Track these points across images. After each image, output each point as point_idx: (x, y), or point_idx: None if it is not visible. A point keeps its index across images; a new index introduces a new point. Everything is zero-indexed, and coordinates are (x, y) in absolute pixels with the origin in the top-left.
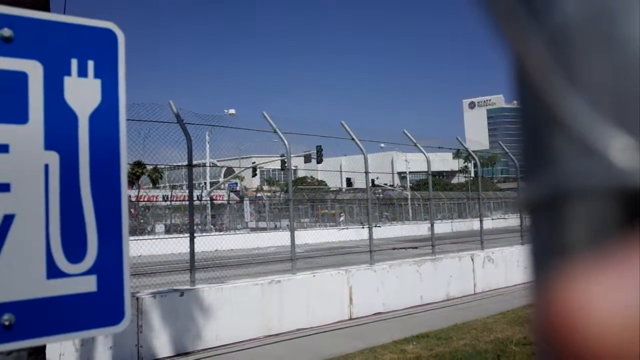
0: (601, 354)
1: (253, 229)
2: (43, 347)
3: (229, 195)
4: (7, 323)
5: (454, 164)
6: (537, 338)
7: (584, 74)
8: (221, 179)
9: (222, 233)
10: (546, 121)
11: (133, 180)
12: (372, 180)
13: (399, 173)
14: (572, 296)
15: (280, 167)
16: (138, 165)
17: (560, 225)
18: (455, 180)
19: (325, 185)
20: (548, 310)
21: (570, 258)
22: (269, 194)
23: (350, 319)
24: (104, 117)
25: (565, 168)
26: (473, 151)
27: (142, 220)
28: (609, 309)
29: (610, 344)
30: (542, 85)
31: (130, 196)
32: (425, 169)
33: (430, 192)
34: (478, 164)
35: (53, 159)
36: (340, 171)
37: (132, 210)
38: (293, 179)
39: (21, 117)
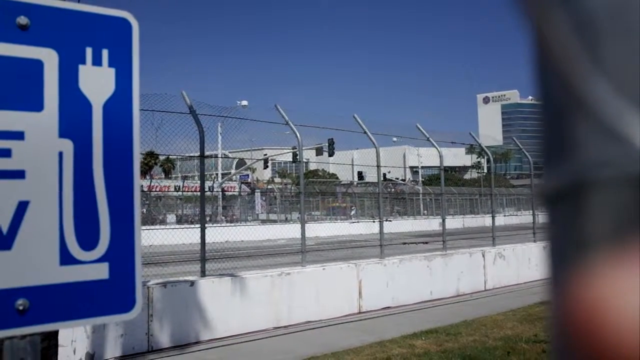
0: (623, 353)
1: (264, 221)
2: (55, 333)
3: (240, 187)
4: (21, 308)
5: (467, 159)
6: (554, 336)
7: (610, 59)
8: (233, 171)
9: (232, 224)
10: (570, 107)
11: (145, 171)
12: (384, 174)
13: (411, 167)
14: (593, 293)
15: (291, 160)
16: (150, 155)
17: (581, 217)
18: (467, 176)
19: (337, 178)
20: (567, 307)
21: (591, 252)
22: (280, 186)
23: (360, 312)
24: (118, 105)
25: (588, 156)
26: (486, 146)
27: (147, 205)
28: (632, 307)
29: (633, 343)
30: (567, 71)
31: (142, 186)
32: (438, 164)
33: (442, 187)
34: (491, 159)
35: (67, 146)
36: (352, 164)
37: None
38: (304, 171)
39: (36, 104)
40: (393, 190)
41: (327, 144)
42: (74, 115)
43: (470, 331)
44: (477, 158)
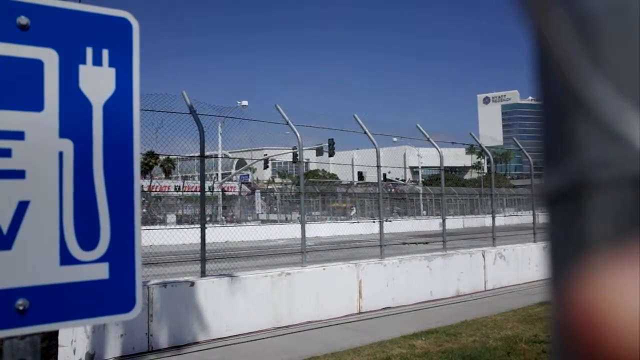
0: (623, 354)
1: (264, 221)
2: (56, 333)
3: (240, 187)
4: (21, 308)
5: (467, 160)
6: (555, 336)
7: (610, 59)
8: (233, 171)
9: (233, 224)
10: (570, 107)
11: (145, 171)
12: (384, 175)
13: (411, 167)
14: (593, 293)
15: (292, 160)
16: (151, 155)
17: (581, 218)
18: (467, 176)
19: (337, 178)
20: (568, 308)
21: (592, 253)
22: (280, 186)
23: (360, 312)
24: (118, 106)
25: (588, 156)
26: (486, 147)
27: (147, 205)
28: (632, 307)
29: (633, 344)
30: (567, 70)
31: (142, 186)
32: (438, 164)
33: (442, 187)
34: (491, 159)
35: (67, 146)
36: (352, 165)
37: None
38: (305, 171)
39: (37, 104)
40: (393, 190)
41: (327, 144)
42: (74, 115)
43: (471, 331)
44: (478, 158)
